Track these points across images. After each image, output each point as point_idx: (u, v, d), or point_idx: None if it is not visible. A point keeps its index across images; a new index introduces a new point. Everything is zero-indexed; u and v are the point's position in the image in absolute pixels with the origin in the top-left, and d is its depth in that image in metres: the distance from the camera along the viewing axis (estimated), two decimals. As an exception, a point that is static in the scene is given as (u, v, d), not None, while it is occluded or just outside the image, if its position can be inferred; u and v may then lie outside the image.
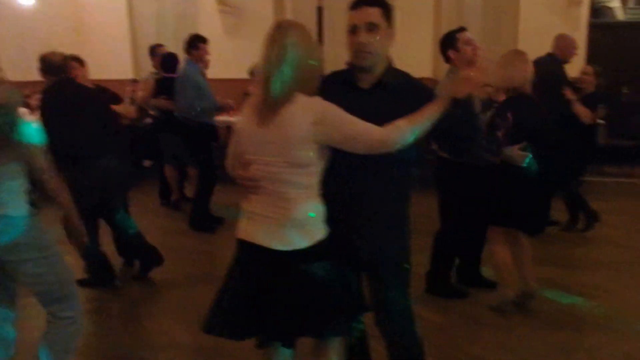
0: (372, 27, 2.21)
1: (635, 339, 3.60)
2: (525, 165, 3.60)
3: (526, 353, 3.46)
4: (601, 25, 8.70)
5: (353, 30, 2.24)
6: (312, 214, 2.16)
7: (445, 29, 8.74)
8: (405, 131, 2.09)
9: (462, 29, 4.08)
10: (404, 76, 2.38)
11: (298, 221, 2.14)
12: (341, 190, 2.28)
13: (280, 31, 2.12)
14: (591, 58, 8.30)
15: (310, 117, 2.07)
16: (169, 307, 4.24)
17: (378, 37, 2.22)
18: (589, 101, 5.37)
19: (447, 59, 4.04)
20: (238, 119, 2.31)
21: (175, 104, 6.00)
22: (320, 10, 9.05)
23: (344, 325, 2.24)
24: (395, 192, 2.38)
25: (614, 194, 6.88)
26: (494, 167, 3.65)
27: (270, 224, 2.16)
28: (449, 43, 4.02)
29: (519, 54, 3.86)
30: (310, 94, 2.13)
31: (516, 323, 3.82)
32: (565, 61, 5.79)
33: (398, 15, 8.71)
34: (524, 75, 3.71)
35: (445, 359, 3.39)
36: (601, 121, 5.86)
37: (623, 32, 8.78)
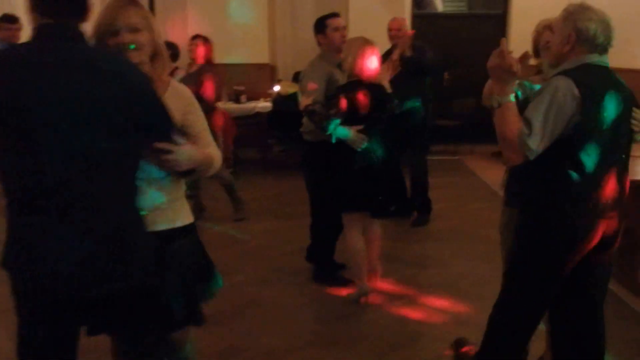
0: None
1: (471, 302, 3.89)
2: (360, 149, 3.66)
3: (365, 327, 3.64)
4: (423, 16, 9.32)
5: None
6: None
7: (279, 17, 9.00)
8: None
9: (333, 15, 4.18)
10: None
11: None
12: None
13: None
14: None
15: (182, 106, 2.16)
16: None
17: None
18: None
19: (319, 44, 4.17)
20: None
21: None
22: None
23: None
24: None
25: (442, 170, 7.33)
26: (337, 150, 3.72)
27: None
28: (318, 28, 4.16)
29: (354, 41, 3.87)
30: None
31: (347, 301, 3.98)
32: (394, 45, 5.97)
33: (233, 3, 8.60)
34: (358, 61, 3.69)
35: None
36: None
37: (443, 22, 9.46)
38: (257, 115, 7.80)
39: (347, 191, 3.79)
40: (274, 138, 8.37)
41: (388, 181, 3.83)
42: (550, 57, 2.46)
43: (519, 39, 8.27)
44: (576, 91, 2.22)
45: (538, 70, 3.10)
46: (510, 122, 2.26)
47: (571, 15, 2.33)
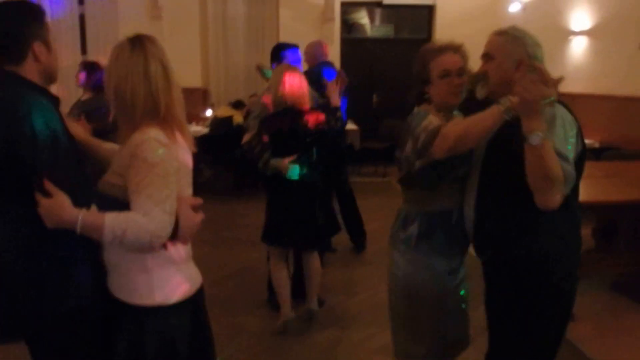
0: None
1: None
2: (288, 175, 3.65)
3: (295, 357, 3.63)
4: (352, 40, 9.56)
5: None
6: None
7: (212, 40, 9.02)
8: None
9: (290, 46, 4.42)
10: None
11: None
12: None
13: None
14: (345, 69, 9.06)
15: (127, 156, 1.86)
16: None
17: None
18: None
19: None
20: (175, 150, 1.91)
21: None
22: (82, 18, 8.64)
23: None
24: None
25: (371, 192, 7.44)
26: (270, 182, 3.75)
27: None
28: (274, 56, 4.43)
29: (276, 69, 3.87)
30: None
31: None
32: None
33: (165, 27, 8.57)
34: (281, 88, 3.64)
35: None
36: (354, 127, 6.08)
37: (370, 46, 9.74)
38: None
39: (269, 225, 3.82)
40: (204, 162, 8.34)
41: (311, 217, 3.80)
42: (494, 84, 2.19)
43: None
44: (573, 120, 2.12)
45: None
46: (554, 159, 1.94)
47: (519, 40, 2.18)
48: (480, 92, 2.21)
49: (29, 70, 1.85)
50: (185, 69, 8.39)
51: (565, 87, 7.35)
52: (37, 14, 1.90)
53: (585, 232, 4.91)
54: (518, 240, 2.16)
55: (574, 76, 7.15)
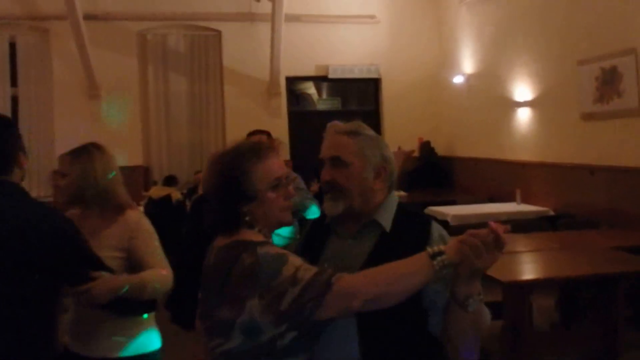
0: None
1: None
2: None
3: None
4: (299, 113, 9.49)
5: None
6: None
7: (153, 118, 8.77)
8: None
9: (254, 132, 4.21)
10: None
11: None
12: None
13: None
14: (293, 142, 8.98)
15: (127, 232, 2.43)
16: None
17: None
18: None
19: None
20: None
21: None
22: (15, 100, 8.36)
23: None
24: None
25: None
26: None
27: None
28: None
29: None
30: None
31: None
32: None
33: (104, 105, 8.26)
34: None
35: None
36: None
37: (318, 119, 9.65)
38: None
39: None
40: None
41: None
42: (353, 196, 1.76)
43: (391, 132, 8.76)
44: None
45: None
46: (487, 316, 1.65)
47: (375, 141, 1.82)
48: (335, 208, 1.75)
49: (15, 177, 2.07)
50: (126, 147, 8.09)
51: (514, 156, 7.43)
52: (15, 127, 2.16)
53: (549, 304, 4.81)
54: None
55: (522, 145, 7.20)
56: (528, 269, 4.15)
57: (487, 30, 7.97)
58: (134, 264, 2.31)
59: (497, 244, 1.45)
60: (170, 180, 7.72)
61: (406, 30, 9.39)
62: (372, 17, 9.28)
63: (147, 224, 2.42)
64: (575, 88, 6.14)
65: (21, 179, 2.11)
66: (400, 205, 1.82)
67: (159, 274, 2.27)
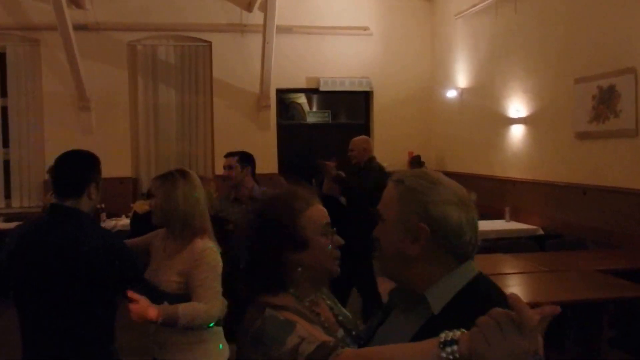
0: None
1: None
2: None
3: None
4: (288, 126, 9.42)
5: None
6: None
7: (142, 130, 8.69)
8: None
9: (228, 155, 4.53)
10: None
11: None
12: None
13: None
14: (282, 155, 8.93)
15: (190, 260, 2.71)
16: None
17: None
18: None
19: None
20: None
21: None
22: (4, 110, 8.31)
23: None
24: None
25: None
26: None
27: None
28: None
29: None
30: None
31: None
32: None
33: (94, 117, 8.16)
34: None
35: None
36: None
37: (307, 131, 9.60)
38: (119, 233, 7.28)
39: None
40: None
41: None
42: (386, 259, 1.53)
43: (380, 145, 8.68)
44: None
45: None
46: None
47: (414, 194, 1.46)
48: (378, 270, 1.54)
49: (83, 206, 2.44)
50: (115, 158, 8.01)
51: (505, 173, 7.35)
52: (94, 161, 2.56)
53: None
54: None
55: (514, 162, 7.14)
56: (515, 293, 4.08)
57: (482, 45, 7.90)
58: (190, 290, 2.56)
59: (522, 327, 1.06)
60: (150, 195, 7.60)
61: (399, 43, 9.31)
62: (365, 28, 9.20)
63: (210, 256, 2.59)
64: (571, 106, 6.05)
65: (90, 209, 2.44)
66: (474, 284, 1.43)
67: (195, 308, 2.47)
